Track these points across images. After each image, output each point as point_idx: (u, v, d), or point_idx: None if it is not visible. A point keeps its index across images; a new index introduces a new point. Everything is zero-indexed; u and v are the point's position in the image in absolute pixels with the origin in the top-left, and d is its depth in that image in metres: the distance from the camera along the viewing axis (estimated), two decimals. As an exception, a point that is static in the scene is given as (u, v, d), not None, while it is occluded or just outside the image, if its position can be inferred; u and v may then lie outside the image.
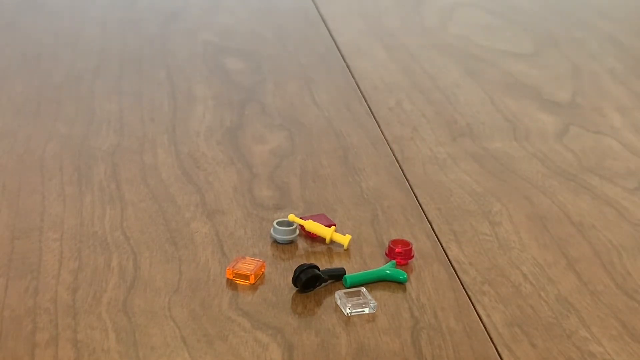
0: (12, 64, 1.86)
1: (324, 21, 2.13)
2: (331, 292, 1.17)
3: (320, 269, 1.18)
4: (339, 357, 1.06)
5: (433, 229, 1.32)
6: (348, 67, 1.88)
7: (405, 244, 1.24)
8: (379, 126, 1.63)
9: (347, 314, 1.13)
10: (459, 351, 1.08)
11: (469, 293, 1.18)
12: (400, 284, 1.19)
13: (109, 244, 1.25)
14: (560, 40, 2.09)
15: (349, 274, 1.19)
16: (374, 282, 1.19)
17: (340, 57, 1.93)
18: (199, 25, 2.08)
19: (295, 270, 1.17)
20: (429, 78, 1.84)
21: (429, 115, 1.68)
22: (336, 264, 1.23)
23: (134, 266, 1.21)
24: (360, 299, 1.14)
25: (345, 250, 1.26)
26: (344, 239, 1.26)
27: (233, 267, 1.19)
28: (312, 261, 1.23)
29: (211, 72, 1.83)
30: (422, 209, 1.37)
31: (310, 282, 1.16)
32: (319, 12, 2.18)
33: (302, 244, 1.27)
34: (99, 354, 1.05)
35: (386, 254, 1.24)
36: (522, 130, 1.63)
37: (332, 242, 1.27)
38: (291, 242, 1.27)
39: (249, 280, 1.17)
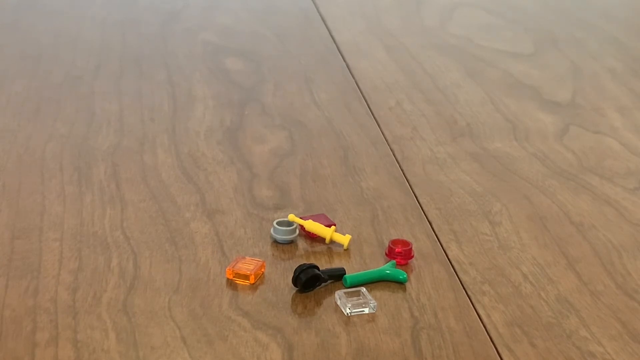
0: (12, 64, 1.86)
1: (324, 21, 2.13)
2: (331, 292, 1.17)
3: (320, 269, 1.18)
4: (339, 357, 1.06)
5: (433, 229, 1.32)
6: (348, 67, 1.88)
7: (405, 244, 1.24)
8: (379, 126, 1.63)
9: (347, 314, 1.13)
10: (459, 351, 1.08)
11: (469, 293, 1.18)
12: (400, 284, 1.19)
13: (109, 244, 1.25)
14: (560, 40, 2.09)
15: (349, 274, 1.19)
16: (374, 282, 1.19)
17: (340, 57, 1.93)
18: (199, 25, 2.08)
19: (295, 270, 1.17)
20: (429, 78, 1.84)
21: (429, 115, 1.68)
22: (336, 264, 1.23)
23: (134, 266, 1.21)
24: (360, 299, 1.14)
25: (345, 250, 1.26)
26: (344, 239, 1.26)
27: (233, 267, 1.19)
28: (312, 261, 1.23)
29: (211, 72, 1.83)
30: (422, 209, 1.37)
31: (310, 282, 1.16)
32: (319, 12, 2.18)
33: (302, 244, 1.27)
34: (99, 354, 1.05)
35: (386, 254, 1.24)
36: (522, 130, 1.63)
37: (332, 242, 1.27)
38: (291, 242, 1.27)
39: (249, 280, 1.17)
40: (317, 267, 1.17)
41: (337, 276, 1.19)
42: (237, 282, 1.18)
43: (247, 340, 1.08)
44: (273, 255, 1.24)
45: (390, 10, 2.24)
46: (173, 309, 1.12)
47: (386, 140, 1.58)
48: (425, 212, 1.36)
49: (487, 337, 1.10)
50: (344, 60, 1.91)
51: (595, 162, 1.53)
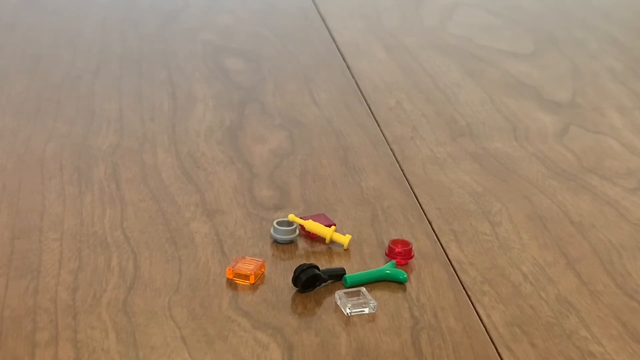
0: (12, 64, 1.86)
1: (324, 21, 2.13)
2: (331, 292, 1.17)
3: (320, 269, 1.18)
4: (339, 357, 1.06)
5: (433, 229, 1.32)
6: (348, 67, 1.88)
7: (405, 244, 1.24)
8: (379, 126, 1.63)
9: (347, 314, 1.13)
10: (459, 351, 1.08)
11: (469, 293, 1.18)
12: (400, 284, 1.19)
13: (109, 244, 1.25)
14: (560, 40, 2.09)
15: (349, 274, 1.19)
16: (374, 282, 1.19)
17: (340, 57, 1.93)
18: (199, 25, 2.08)
19: (295, 270, 1.17)
20: (429, 78, 1.84)
21: (429, 115, 1.68)
22: (336, 264, 1.23)
23: (134, 266, 1.21)
24: (360, 299, 1.14)
25: (345, 250, 1.26)
26: (344, 239, 1.26)
27: (233, 267, 1.19)
28: (312, 261, 1.23)
29: (211, 72, 1.83)
30: (422, 209, 1.37)
31: (310, 282, 1.16)
32: (319, 12, 2.18)
33: (302, 244, 1.27)
34: (99, 353, 1.05)
35: (386, 254, 1.24)
36: (522, 130, 1.63)
37: (332, 242, 1.27)
38: (291, 242, 1.27)
39: (249, 280, 1.17)
40: (317, 267, 1.17)
41: (337, 276, 1.19)
42: (237, 282, 1.18)
43: (247, 340, 1.08)
44: (273, 255, 1.24)
45: (390, 10, 2.24)
46: (173, 309, 1.12)
47: (386, 140, 1.58)
48: (425, 212, 1.36)
49: (487, 337, 1.10)
50: (344, 60, 1.91)
51: (595, 162, 1.53)
